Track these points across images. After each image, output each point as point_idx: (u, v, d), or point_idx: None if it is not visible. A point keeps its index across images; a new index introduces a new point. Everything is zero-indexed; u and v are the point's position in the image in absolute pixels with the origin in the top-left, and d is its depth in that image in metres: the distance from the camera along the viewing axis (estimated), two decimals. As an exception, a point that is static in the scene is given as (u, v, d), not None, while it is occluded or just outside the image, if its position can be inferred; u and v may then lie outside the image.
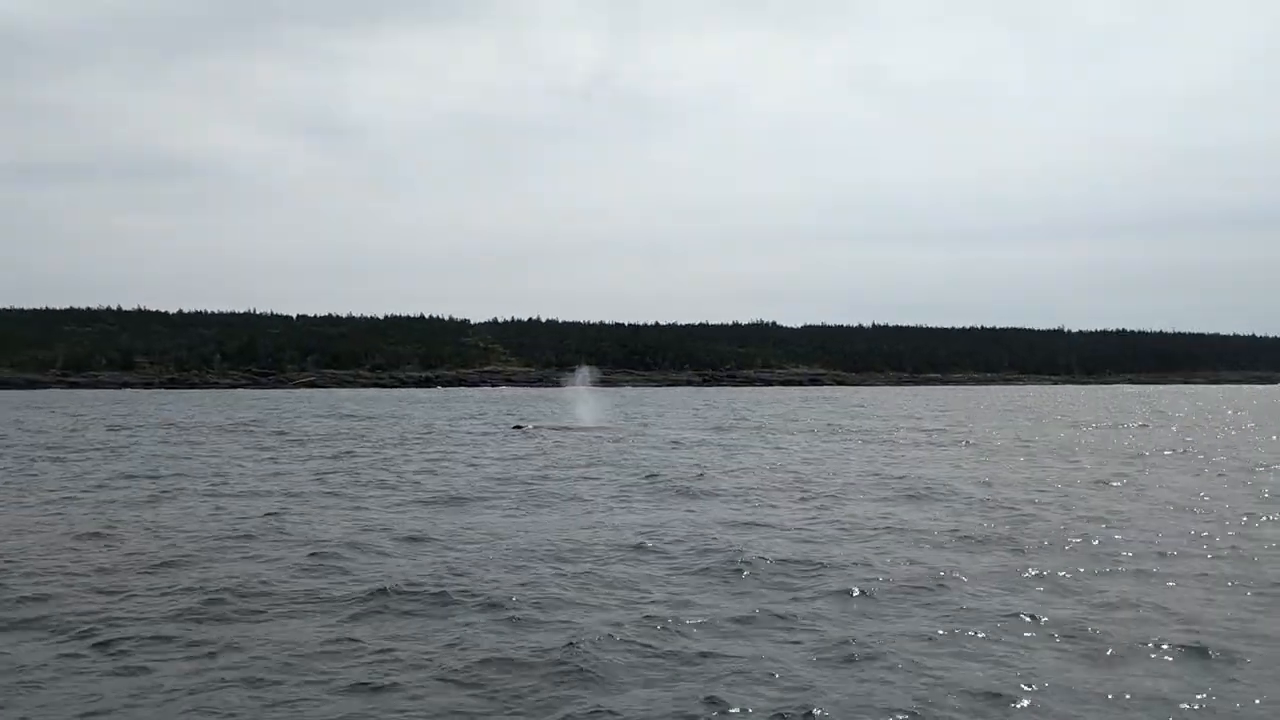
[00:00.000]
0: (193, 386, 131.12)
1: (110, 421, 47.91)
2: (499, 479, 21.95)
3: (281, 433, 39.28)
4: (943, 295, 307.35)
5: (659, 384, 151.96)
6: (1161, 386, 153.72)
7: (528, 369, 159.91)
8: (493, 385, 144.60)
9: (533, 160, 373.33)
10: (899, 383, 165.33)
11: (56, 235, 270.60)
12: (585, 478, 22.31)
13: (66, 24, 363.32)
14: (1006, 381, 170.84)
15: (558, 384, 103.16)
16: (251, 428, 42.69)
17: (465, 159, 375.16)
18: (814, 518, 16.46)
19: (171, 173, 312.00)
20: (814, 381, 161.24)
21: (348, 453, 29.44)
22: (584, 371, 68.51)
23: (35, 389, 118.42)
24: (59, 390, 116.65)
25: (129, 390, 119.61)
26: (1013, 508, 17.42)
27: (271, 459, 27.40)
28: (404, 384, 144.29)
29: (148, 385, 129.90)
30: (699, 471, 23.53)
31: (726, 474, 23.26)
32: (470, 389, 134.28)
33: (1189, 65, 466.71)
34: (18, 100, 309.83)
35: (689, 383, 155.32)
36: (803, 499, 18.81)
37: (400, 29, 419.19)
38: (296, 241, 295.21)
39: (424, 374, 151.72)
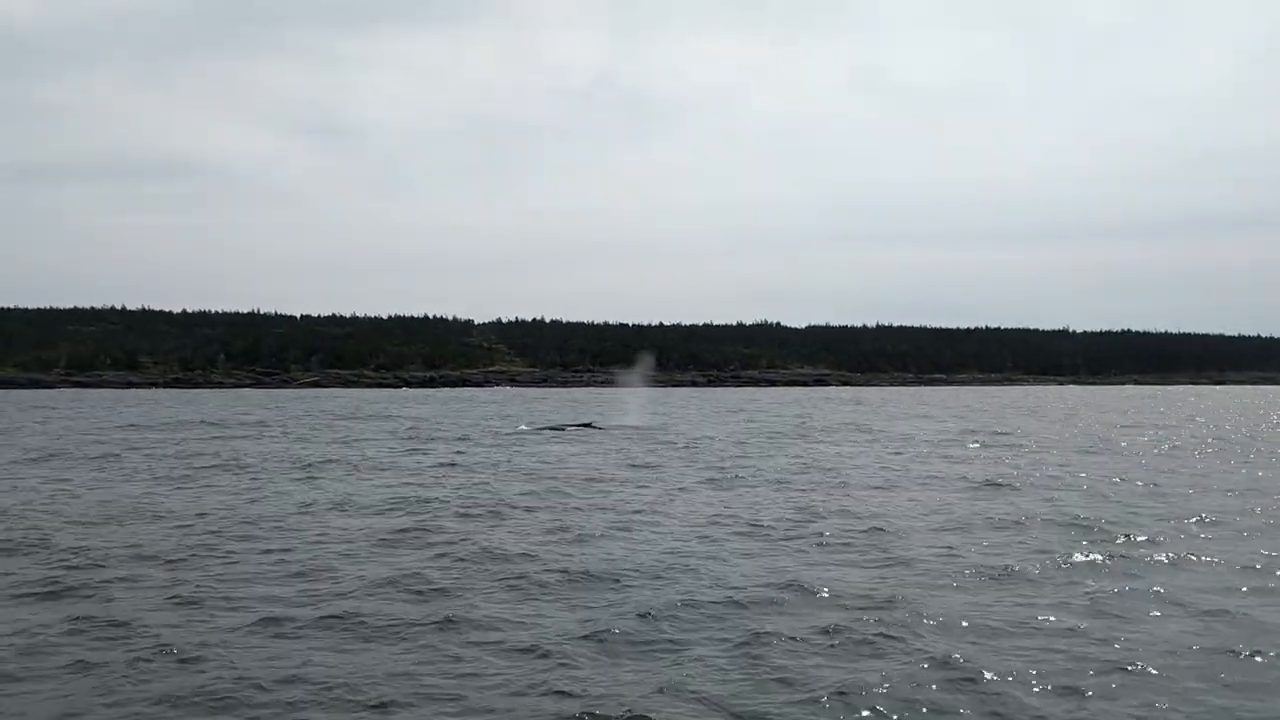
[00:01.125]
0: (197, 386, 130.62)
1: (189, 419, 47.53)
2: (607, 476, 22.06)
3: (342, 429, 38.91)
4: (946, 296, 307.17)
5: (664, 384, 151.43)
6: (1168, 387, 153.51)
7: (532, 369, 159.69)
8: (496, 385, 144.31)
9: (534, 160, 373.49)
10: (903, 383, 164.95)
11: (59, 235, 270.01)
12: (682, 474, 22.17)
13: (67, 24, 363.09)
14: (1011, 382, 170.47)
15: (613, 383, 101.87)
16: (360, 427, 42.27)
17: (467, 159, 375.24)
18: (910, 506, 16.40)
19: (173, 173, 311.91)
20: (819, 382, 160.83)
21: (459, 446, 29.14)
22: (645, 362, 65.88)
23: (39, 389, 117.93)
24: (69, 390, 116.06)
25: (134, 390, 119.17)
26: (1113, 499, 17.49)
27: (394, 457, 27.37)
28: (408, 384, 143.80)
29: (152, 385, 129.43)
30: (778, 469, 23.36)
31: (800, 472, 23.01)
32: (475, 389, 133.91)
33: (1193, 65, 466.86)
34: (20, 100, 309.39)
35: (693, 383, 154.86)
36: (889, 491, 18.79)
37: (401, 30, 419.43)
38: (299, 242, 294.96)
39: (428, 374, 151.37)
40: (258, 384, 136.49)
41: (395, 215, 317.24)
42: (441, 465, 24.45)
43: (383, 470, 23.33)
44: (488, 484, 20.35)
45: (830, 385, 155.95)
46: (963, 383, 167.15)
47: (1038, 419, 50.56)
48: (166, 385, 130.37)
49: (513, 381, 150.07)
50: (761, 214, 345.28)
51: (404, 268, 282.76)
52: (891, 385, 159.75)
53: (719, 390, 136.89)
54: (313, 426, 42.27)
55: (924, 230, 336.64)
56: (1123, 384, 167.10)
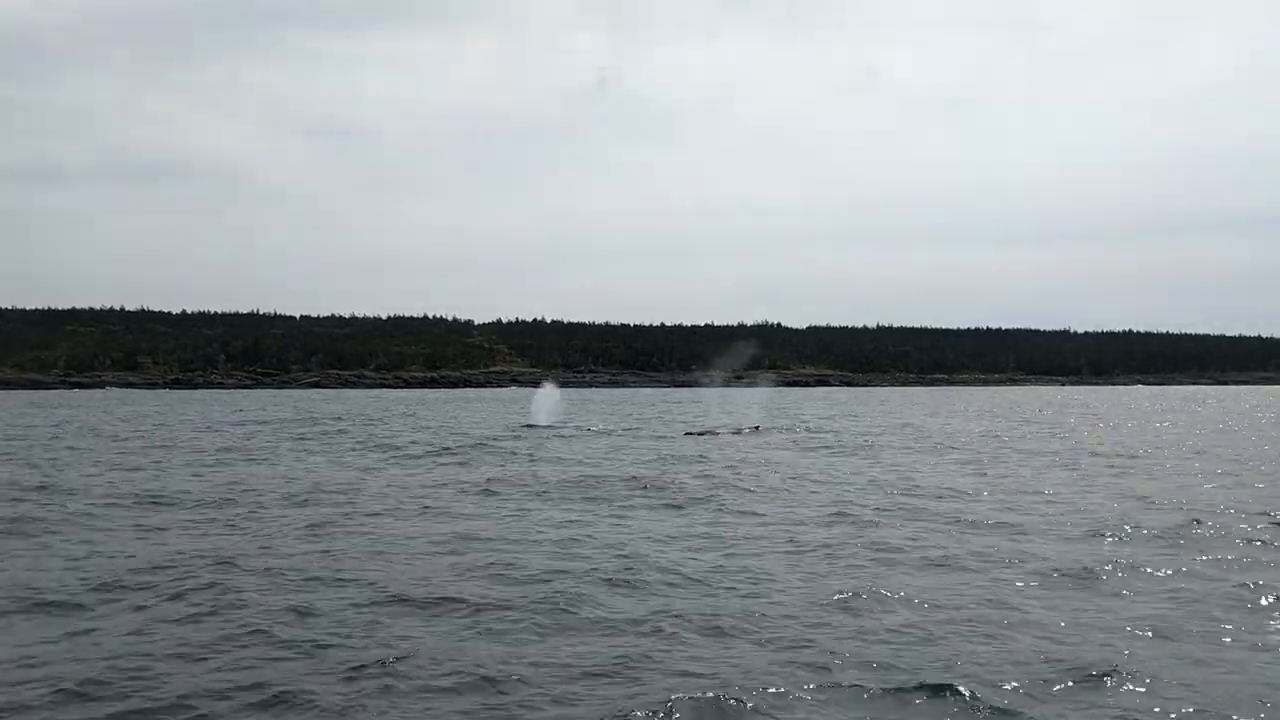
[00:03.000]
0: (196, 387, 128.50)
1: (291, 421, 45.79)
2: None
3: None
4: (947, 296, 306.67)
5: (665, 385, 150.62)
6: (1174, 388, 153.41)
7: (533, 370, 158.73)
8: (499, 385, 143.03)
9: (534, 162, 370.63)
10: (905, 384, 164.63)
11: (59, 235, 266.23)
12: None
13: (68, 24, 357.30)
14: (1013, 382, 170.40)
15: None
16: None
17: (467, 160, 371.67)
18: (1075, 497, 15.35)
19: (173, 173, 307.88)
20: (820, 382, 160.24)
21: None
22: (738, 354, 55.23)
23: (39, 389, 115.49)
24: (78, 391, 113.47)
25: (133, 390, 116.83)
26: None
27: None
28: (409, 384, 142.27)
29: (152, 386, 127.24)
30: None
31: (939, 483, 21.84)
32: (478, 389, 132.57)
33: (1193, 65, 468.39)
34: (20, 100, 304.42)
35: (697, 383, 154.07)
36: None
37: (401, 30, 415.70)
38: (299, 242, 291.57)
39: (429, 374, 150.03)
40: (257, 384, 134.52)
41: (395, 215, 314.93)
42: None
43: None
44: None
45: (831, 386, 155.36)
46: (964, 383, 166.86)
47: (1070, 419, 49.49)
48: (166, 386, 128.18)
49: (515, 382, 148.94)
50: (761, 215, 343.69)
51: (404, 268, 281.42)
52: (892, 386, 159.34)
53: (743, 390, 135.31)
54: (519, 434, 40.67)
55: (925, 230, 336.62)
56: (1127, 384, 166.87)
